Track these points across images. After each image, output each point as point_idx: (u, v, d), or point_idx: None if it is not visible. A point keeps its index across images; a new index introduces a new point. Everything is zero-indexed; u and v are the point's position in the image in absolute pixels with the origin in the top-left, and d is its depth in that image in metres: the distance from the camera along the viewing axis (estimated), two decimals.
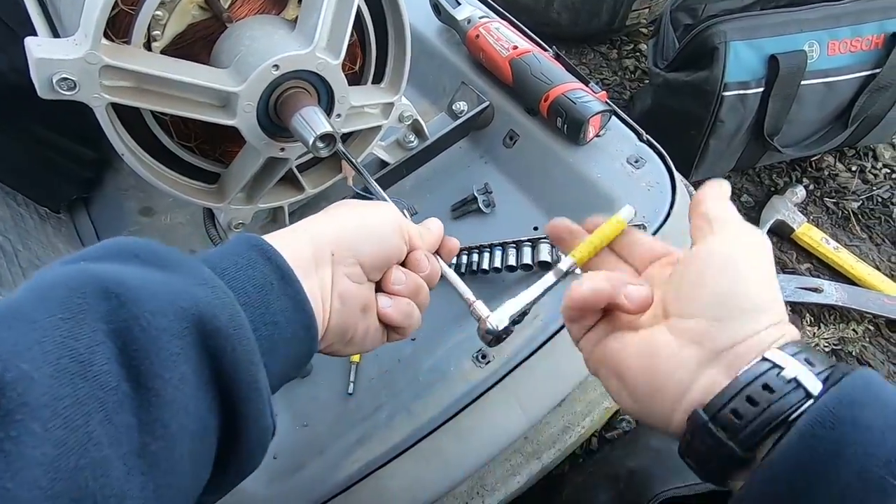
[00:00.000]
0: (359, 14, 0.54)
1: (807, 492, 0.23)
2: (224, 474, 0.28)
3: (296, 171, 0.60)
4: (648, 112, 1.07)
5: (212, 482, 0.27)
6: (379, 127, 0.61)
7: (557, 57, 0.72)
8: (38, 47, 0.37)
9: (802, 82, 0.92)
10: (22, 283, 0.25)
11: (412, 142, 0.68)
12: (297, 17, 0.53)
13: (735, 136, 0.97)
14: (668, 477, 0.57)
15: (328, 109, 0.51)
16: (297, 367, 0.33)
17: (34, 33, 0.48)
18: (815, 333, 0.97)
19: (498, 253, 0.61)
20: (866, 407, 0.23)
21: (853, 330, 0.97)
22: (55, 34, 0.45)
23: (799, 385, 0.25)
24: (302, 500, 0.50)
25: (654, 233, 0.60)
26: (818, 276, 1.02)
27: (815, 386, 0.24)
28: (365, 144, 0.63)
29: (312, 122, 0.45)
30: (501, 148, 0.72)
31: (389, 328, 0.38)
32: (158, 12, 0.45)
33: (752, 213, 1.10)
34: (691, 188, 0.79)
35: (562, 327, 0.53)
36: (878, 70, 0.94)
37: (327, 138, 0.46)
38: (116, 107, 0.45)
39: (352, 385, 0.58)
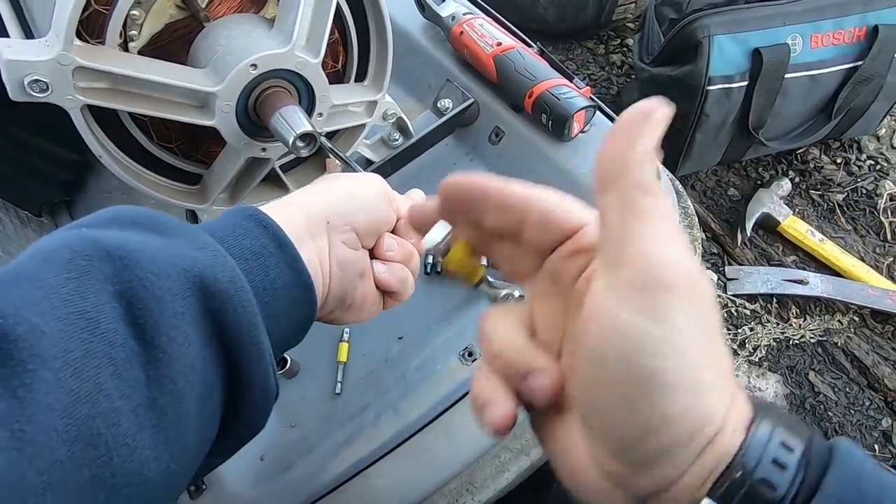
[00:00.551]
0: (339, 11, 0.54)
1: None
2: (228, 437, 0.28)
3: (279, 170, 0.59)
4: None
5: (217, 444, 0.28)
6: (363, 125, 0.61)
7: (542, 53, 0.72)
8: (9, 49, 0.36)
9: (786, 75, 0.92)
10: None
11: (397, 140, 0.68)
12: (275, 16, 0.53)
13: (720, 129, 0.98)
14: None
15: (309, 108, 0.51)
16: (298, 333, 0.33)
17: (6, 34, 0.47)
18: (800, 325, 0.98)
19: None
20: None
21: (838, 321, 0.98)
22: (28, 35, 0.44)
23: None
24: (290, 501, 0.50)
25: None
26: (804, 269, 1.03)
27: None
28: (349, 143, 0.62)
29: (292, 121, 0.44)
30: (487, 145, 0.72)
31: (385, 294, 0.39)
32: (135, 12, 0.44)
33: (739, 207, 1.11)
34: (677, 183, 0.79)
35: None
36: (860, 62, 0.95)
37: (307, 138, 0.45)
38: (93, 108, 0.44)
39: (339, 385, 0.58)
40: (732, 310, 1.00)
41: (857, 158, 1.17)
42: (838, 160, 1.16)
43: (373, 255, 0.38)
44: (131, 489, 0.22)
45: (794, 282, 0.99)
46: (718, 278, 1.03)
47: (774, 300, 1.00)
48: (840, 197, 1.12)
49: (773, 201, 1.06)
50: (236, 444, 0.29)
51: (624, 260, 0.19)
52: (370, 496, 0.51)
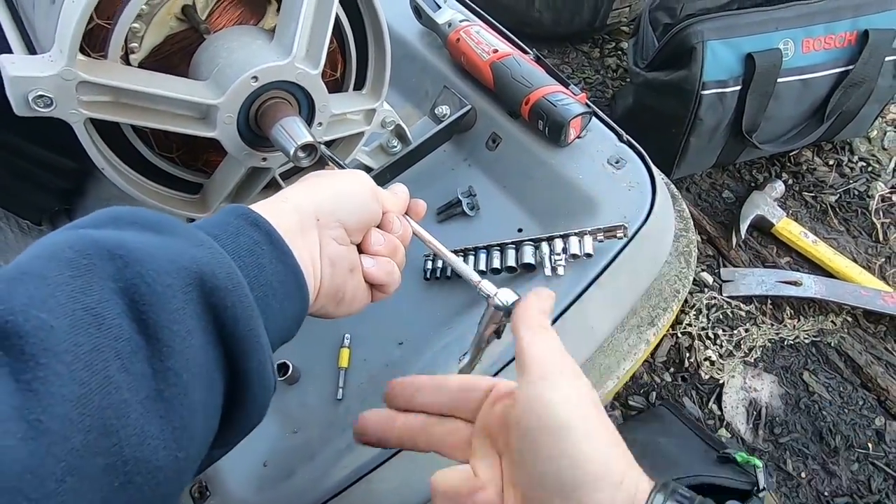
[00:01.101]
0: (337, 20, 0.54)
1: None
2: (229, 428, 0.29)
3: (279, 178, 0.60)
4: (630, 111, 1.08)
5: (218, 436, 0.29)
6: (362, 133, 0.61)
7: (538, 60, 0.72)
8: (13, 65, 0.37)
9: (779, 80, 0.93)
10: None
11: (395, 147, 0.68)
12: (275, 27, 0.54)
13: (714, 133, 0.99)
14: (652, 471, 0.58)
15: (309, 118, 0.51)
16: (292, 327, 0.34)
17: (8, 49, 0.48)
18: (795, 326, 0.99)
19: (483, 256, 0.62)
20: None
21: (832, 322, 0.99)
22: (31, 50, 0.45)
23: None
24: None
25: (636, 232, 0.61)
26: (798, 270, 1.04)
27: None
28: (348, 150, 0.63)
29: (293, 132, 0.45)
30: (484, 151, 0.73)
31: (373, 287, 0.40)
32: (135, 24, 0.45)
33: (733, 209, 1.12)
34: (672, 187, 0.80)
35: None
36: (851, 66, 0.96)
37: (308, 148, 0.46)
38: (95, 120, 0.44)
39: (340, 391, 0.58)
40: (728, 311, 1.01)
41: (849, 160, 1.18)
42: (830, 162, 1.18)
43: (360, 249, 0.39)
44: (142, 477, 0.23)
45: (789, 283, 1.00)
46: (714, 280, 1.05)
47: (769, 301, 1.01)
48: (833, 198, 1.14)
49: (766, 203, 1.07)
50: (237, 436, 0.30)
51: (534, 374, 0.30)
52: (372, 501, 0.51)
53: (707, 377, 0.95)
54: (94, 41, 0.43)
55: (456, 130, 0.73)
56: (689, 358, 0.97)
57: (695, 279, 0.97)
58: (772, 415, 0.92)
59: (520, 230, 0.66)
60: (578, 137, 0.68)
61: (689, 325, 0.99)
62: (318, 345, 0.61)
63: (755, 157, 1.13)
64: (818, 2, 0.93)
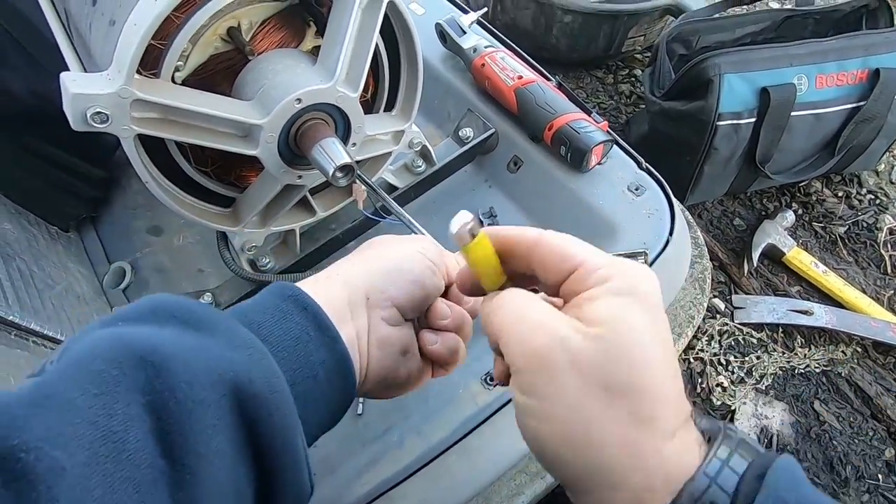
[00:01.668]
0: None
1: None
2: None
3: (308, 194, 0.61)
4: (645, 137, 1.10)
5: None
6: (389, 153, 0.63)
7: (560, 86, 0.74)
8: (74, 83, 0.38)
9: (792, 113, 0.95)
10: (57, 351, 0.25)
11: (420, 166, 0.70)
12: (314, 48, 0.56)
13: (728, 162, 1.01)
14: None
15: (344, 138, 0.53)
16: (335, 418, 0.32)
17: (54, 60, 0.49)
18: (805, 354, 1.00)
19: None
20: None
21: (842, 352, 1.00)
22: (83, 66, 0.46)
23: None
24: None
25: (655, 258, 0.62)
26: (808, 299, 1.05)
27: None
28: (375, 169, 0.64)
29: (332, 153, 0.46)
30: (506, 173, 0.74)
31: (434, 364, 0.37)
32: (184, 44, 0.47)
33: (744, 237, 1.13)
34: (687, 214, 0.81)
35: None
36: (863, 103, 0.98)
37: (346, 169, 0.47)
38: (141, 135, 0.46)
39: (361, 406, 0.59)
40: (740, 338, 1.01)
41: (858, 192, 1.20)
42: (839, 193, 1.19)
43: (425, 322, 0.36)
44: None
45: (800, 312, 1.01)
46: (726, 306, 1.05)
47: (780, 329, 1.02)
48: (842, 230, 1.15)
49: (777, 232, 1.08)
50: None
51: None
52: None
53: (719, 403, 0.95)
54: (146, 60, 0.44)
55: (478, 152, 0.75)
56: (700, 383, 0.97)
57: (707, 305, 0.97)
58: (783, 443, 0.92)
59: None
60: (599, 164, 0.69)
61: (702, 350, 1.00)
62: None
63: (766, 186, 1.14)
64: (829, 40, 0.96)
